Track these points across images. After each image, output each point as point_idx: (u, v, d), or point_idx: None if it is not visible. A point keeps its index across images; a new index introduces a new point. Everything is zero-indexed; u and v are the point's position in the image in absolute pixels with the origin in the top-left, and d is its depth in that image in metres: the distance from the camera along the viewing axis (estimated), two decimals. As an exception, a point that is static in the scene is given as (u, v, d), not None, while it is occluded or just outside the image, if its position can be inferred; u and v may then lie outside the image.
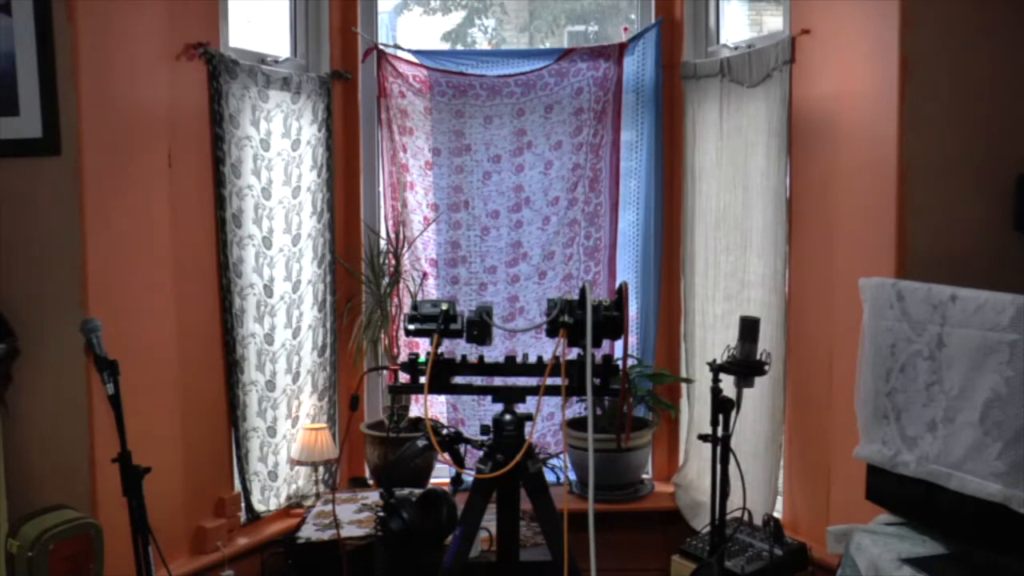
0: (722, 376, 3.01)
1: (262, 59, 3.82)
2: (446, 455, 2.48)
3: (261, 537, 3.70)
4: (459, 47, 5.83)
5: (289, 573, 3.47)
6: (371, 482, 4.16)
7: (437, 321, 2.43)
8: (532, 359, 2.51)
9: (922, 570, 2.48)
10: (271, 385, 3.82)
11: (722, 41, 4.08)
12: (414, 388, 2.49)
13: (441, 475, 4.02)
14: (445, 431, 2.52)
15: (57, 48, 2.91)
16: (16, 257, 2.97)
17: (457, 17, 6.04)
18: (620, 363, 2.41)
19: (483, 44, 5.94)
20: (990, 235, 2.97)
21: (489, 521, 2.59)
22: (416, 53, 4.24)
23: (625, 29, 4.38)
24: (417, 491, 2.72)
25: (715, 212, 3.97)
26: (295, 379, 3.94)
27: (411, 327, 2.47)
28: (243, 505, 3.73)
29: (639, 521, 4.02)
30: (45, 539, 2.76)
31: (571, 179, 4.22)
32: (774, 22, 3.89)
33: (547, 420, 4.30)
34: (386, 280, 4.11)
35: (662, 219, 4.23)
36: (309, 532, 3.47)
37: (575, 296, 2.40)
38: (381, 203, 4.28)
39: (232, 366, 3.62)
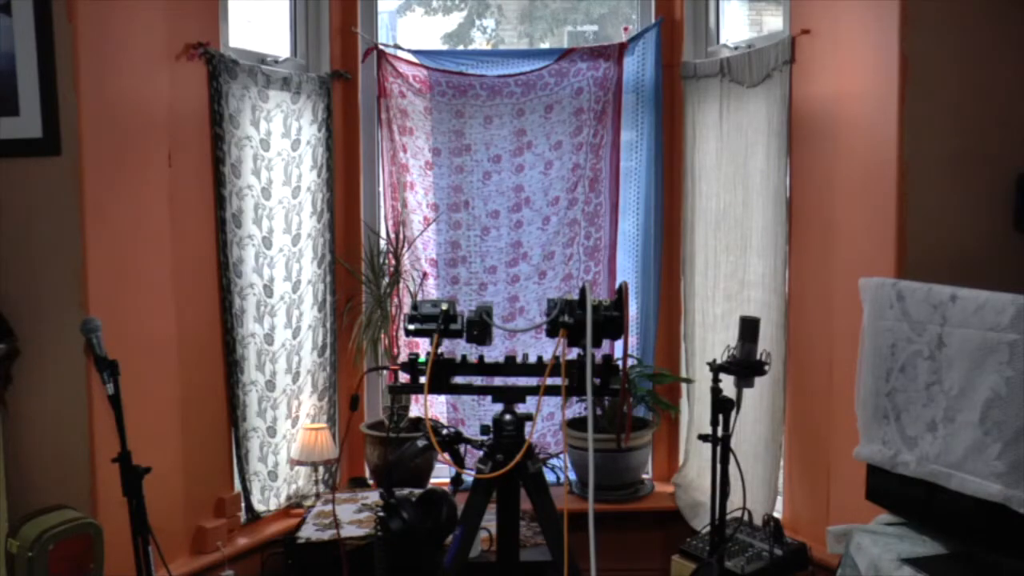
0: (722, 376, 3.01)
1: (262, 59, 3.82)
2: (446, 455, 2.48)
3: (261, 537, 3.70)
4: (459, 48, 5.83)
5: (289, 573, 3.47)
6: (371, 482, 4.16)
7: (437, 321, 2.43)
8: (532, 359, 2.51)
9: (922, 570, 2.48)
10: (271, 385, 3.82)
11: (722, 41, 4.08)
12: (414, 388, 2.49)
13: (441, 475, 4.02)
14: (445, 431, 2.52)
15: (57, 48, 2.91)
16: (16, 257, 2.97)
17: (458, 18, 6.04)
18: (620, 363, 2.41)
19: (482, 45, 5.94)
20: (990, 235, 2.97)
21: (489, 521, 2.59)
22: (416, 53, 4.24)
23: (625, 29, 4.38)
24: (417, 491, 2.72)
25: (715, 212, 3.97)
26: (295, 379, 3.94)
27: (411, 327, 2.46)
28: (243, 505, 3.73)
29: (639, 521, 4.02)
30: (45, 539, 2.76)
31: (571, 179, 4.22)
32: (774, 22, 3.89)
33: (547, 420, 4.30)
34: (386, 280, 4.11)
35: (662, 219, 4.23)
36: (309, 532, 3.47)
37: (575, 296, 2.40)
38: (381, 203, 4.28)
39: (232, 366, 3.62)
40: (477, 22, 6.03)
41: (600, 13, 5.40)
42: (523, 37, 5.91)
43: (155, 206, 3.29)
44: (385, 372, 4.03)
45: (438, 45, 5.50)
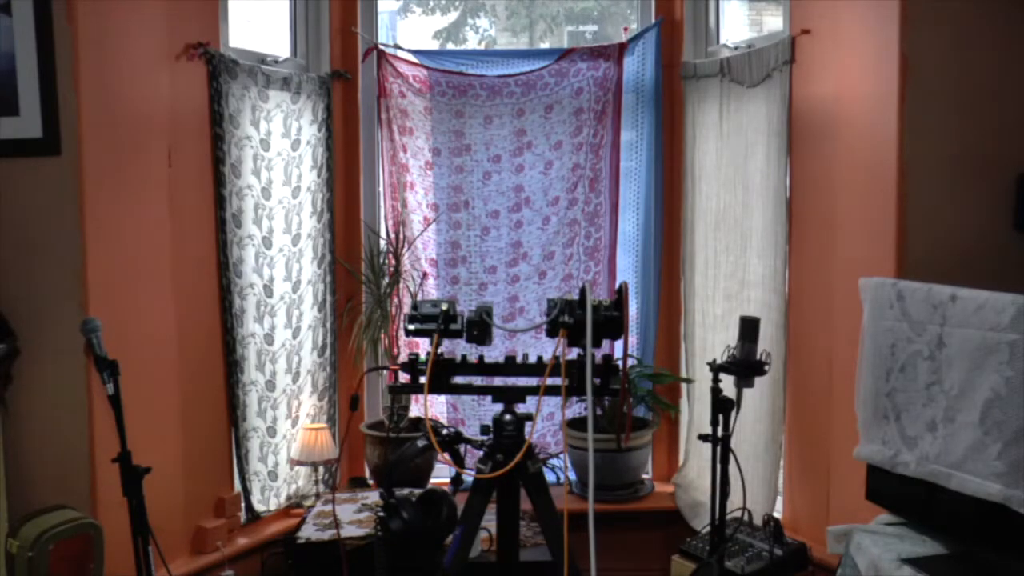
0: (722, 376, 3.01)
1: (262, 59, 3.82)
2: (446, 455, 2.48)
3: (261, 537, 3.70)
4: (450, 46, 5.84)
5: (289, 573, 3.47)
6: (371, 482, 4.16)
7: (437, 321, 2.43)
8: (532, 359, 2.51)
9: (922, 570, 2.48)
10: (271, 385, 3.82)
11: (722, 41, 4.08)
12: (414, 388, 2.49)
13: (441, 475, 4.02)
14: (445, 431, 2.52)
15: (57, 48, 2.91)
16: (16, 257, 2.97)
17: (453, 17, 6.05)
18: (620, 363, 2.41)
19: (475, 43, 5.95)
20: (990, 235, 2.97)
21: (489, 521, 2.59)
22: (416, 53, 4.24)
23: (625, 29, 4.39)
24: (417, 491, 2.72)
25: (715, 212, 3.97)
26: (295, 379, 3.94)
27: (411, 327, 2.46)
28: (243, 505, 3.73)
29: (639, 521, 4.02)
30: (45, 539, 2.76)
31: (571, 179, 4.22)
32: (774, 22, 3.89)
33: (547, 420, 4.30)
34: (386, 280, 4.11)
35: (662, 219, 4.23)
36: (309, 532, 3.47)
37: (575, 296, 2.40)
38: (381, 203, 4.28)
39: (232, 366, 3.62)
40: (470, 21, 6.04)
41: (600, 12, 5.40)
42: (519, 34, 5.92)
43: (155, 206, 3.29)
44: (385, 372, 4.03)
45: (430, 43, 5.50)
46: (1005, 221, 2.96)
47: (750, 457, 3.61)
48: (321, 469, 3.94)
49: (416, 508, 2.46)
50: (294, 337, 3.92)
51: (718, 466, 3.00)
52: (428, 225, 4.23)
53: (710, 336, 4.00)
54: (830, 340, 3.33)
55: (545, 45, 5.89)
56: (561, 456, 4.15)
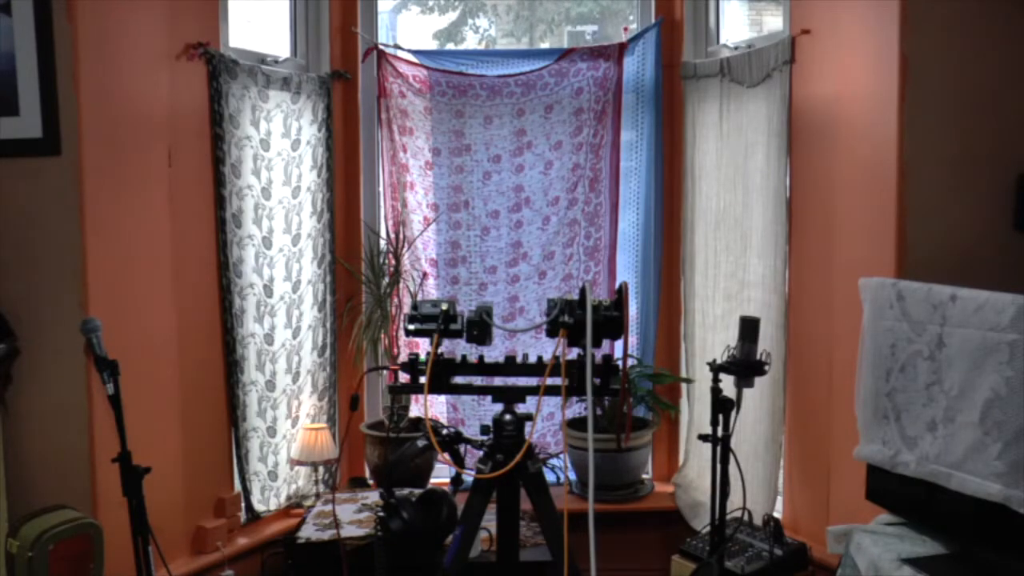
0: (722, 376, 3.01)
1: (262, 59, 3.82)
2: (446, 455, 2.48)
3: (261, 537, 3.71)
4: (450, 46, 5.84)
5: (289, 573, 3.47)
6: (371, 482, 4.16)
7: (437, 321, 2.43)
8: (532, 359, 2.51)
9: (922, 570, 2.49)
10: (271, 385, 3.82)
11: (722, 41, 4.08)
12: (414, 388, 2.49)
13: (441, 475, 4.02)
14: (445, 431, 2.52)
15: (57, 48, 2.91)
16: (16, 257, 2.97)
17: (452, 16, 6.05)
18: (620, 363, 2.41)
19: (474, 43, 5.95)
20: (990, 235, 2.97)
21: (489, 521, 2.59)
22: (416, 53, 4.24)
23: (625, 29, 4.39)
24: (417, 491, 2.72)
25: (715, 212, 3.97)
26: (295, 379, 3.94)
27: (411, 327, 2.46)
28: (243, 505, 3.73)
29: (639, 521, 4.02)
30: (45, 539, 2.76)
31: (571, 179, 4.22)
32: (774, 22, 3.89)
33: (547, 420, 4.30)
34: (386, 280, 4.11)
35: (662, 219, 4.23)
36: (309, 532, 3.47)
37: (575, 296, 2.40)
38: (381, 203, 4.28)
39: (232, 366, 3.62)
40: (470, 21, 6.05)
41: (600, 12, 5.41)
42: (522, 36, 5.92)
43: (155, 206, 3.29)
44: (385, 372, 4.03)
45: (430, 43, 5.50)
46: (1005, 221, 2.96)
47: (750, 457, 3.61)
48: (321, 469, 3.94)
49: (416, 508, 2.46)
50: (294, 337, 3.92)
51: (718, 466, 3.00)
52: (428, 225, 4.24)
53: (710, 336, 4.00)
54: (830, 340, 3.33)
55: (545, 45, 5.89)
56: (561, 456, 4.15)
